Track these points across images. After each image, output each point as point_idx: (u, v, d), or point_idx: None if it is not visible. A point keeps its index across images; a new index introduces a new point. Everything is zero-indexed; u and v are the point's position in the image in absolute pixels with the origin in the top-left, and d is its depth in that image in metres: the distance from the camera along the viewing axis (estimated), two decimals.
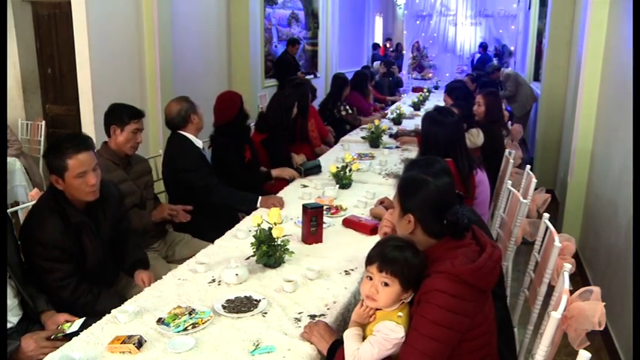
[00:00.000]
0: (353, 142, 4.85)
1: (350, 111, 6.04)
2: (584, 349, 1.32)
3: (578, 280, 3.74)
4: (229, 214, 3.13)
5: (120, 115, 2.74)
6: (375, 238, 2.28)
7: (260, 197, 3.05)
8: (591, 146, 4.05)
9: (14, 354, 1.84)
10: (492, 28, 14.53)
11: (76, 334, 1.76)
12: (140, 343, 1.62)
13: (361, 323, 1.64)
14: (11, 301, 2.03)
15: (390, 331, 1.55)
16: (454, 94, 4.87)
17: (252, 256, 2.22)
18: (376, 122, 5.00)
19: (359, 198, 3.07)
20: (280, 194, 3.23)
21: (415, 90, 9.88)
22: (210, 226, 2.87)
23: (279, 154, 4.01)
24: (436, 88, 10.15)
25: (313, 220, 2.45)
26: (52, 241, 2.11)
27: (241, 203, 3.08)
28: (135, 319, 1.80)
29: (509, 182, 3.06)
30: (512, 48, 12.99)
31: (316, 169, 3.71)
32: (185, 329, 1.72)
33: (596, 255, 3.61)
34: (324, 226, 2.54)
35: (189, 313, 1.79)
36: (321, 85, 8.80)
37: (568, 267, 1.84)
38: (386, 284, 1.57)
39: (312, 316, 1.84)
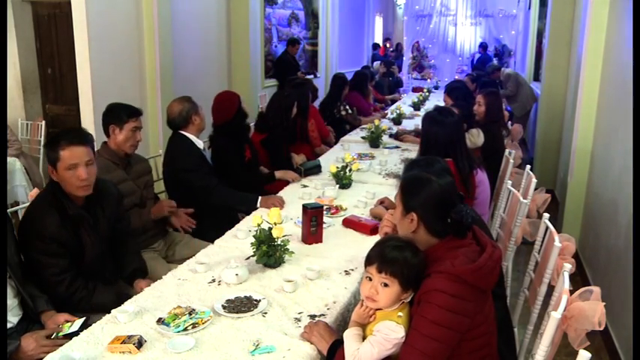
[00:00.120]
0: (353, 142, 4.85)
1: (350, 111, 6.04)
2: (584, 349, 1.32)
3: (578, 280, 3.74)
4: (229, 214, 3.13)
5: (118, 114, 2.75)
6: (375, 238, 2.29)
7: (260, 197, 3.05)
8: (591, 146, 4.05)
9: (14, 354, 1.84)
10: (492, 28, 14.53)
11: (76, 334, 1.76)
12: (140, 343, 1.62)
13: (361, 323, 1.64)
14: (11, 301, 2.03)
15: (390, 331, 1.55)
16: (454, 94, 4.87)
17: (252, 256, 2.22)
18: (376, 122, 4.99)
19: (359, 198, 3.07)
20: (280, 194, 3.23)
21: (415, 90, 9.88)
22: (210, 226, 2.87)
23: (279, 154, 4.01)
24: (436, 88, 10.16)
25: (313, 220, 2.45)
26: (49, 234, 2.12)
27: (241, 203, 3.08)
28: (135, 319, 1.80)
29: (509, 182, 3.06)
30: (512, 48, 13.00)
31: (316, 169, 3.71)
32: (185, 329, 1.72)
33: (596, 255, 3.61)
34: (324, 226, 2.54)
35: (189, 313, 1.79)
36: (321, 85, 8.80)
37: (568, 267, 1.84)
38: (385, 285, 1.57)
39: (312, 316, 1.84)
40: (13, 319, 2.03)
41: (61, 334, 1.87)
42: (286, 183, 3.53)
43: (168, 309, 1.83)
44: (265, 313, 1.85)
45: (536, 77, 7.82)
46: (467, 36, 15.05)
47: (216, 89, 4.09)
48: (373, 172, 3.79)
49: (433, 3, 15.27)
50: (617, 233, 3.09)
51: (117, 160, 2.76)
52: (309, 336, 1.69)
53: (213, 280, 2.10)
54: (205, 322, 1.76)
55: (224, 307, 1.86)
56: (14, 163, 4.66)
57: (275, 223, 2.20)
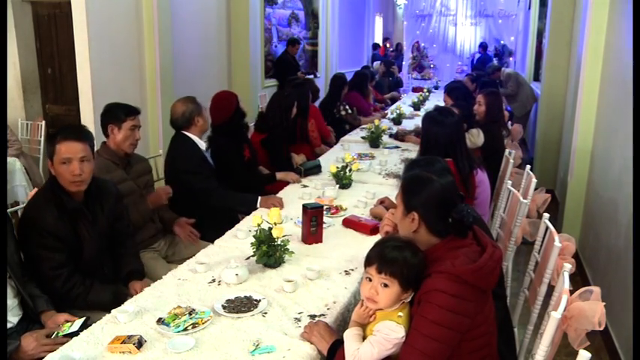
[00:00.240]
0: (353, 142, 4.85)
1: (350, 111, 6.04)
2: (584, 349, 1.32)
3: (578, 280, 3.74)
4: (229, 214, 3.13)
5: (116, 113, 2.76)
6: (375, 238, 2.28)
7: (260, 197, 3.05)
8: (591, 146, 4.05)
9: (14, 353, 1.85)
10: (492, 28, 14.53)
11: (76, 334, 1.76)
12: (140, 343, 1.62)
13: (361, 323, 1.64)
14: (11, 301, 2.03)
15: (390, 330, 1.55)
16: (454, 94, 4.87)
17: (252, 256, 2.22)
18: (376, 122, 5.00)
19: (359, 198, 3.07)
20: (280, 194, 3.23)
21: (415, 90, 9.88)
22: (210, 226, 2.87)
23: (279, 154, 4.01)
24: (436, 88, 10.16)
25: (313, 220, 2.45)
26: (46, 227, 2.14)
27: (241, 204, 3.07)
28: (135, 319, 1.80)
29: (509, 182, 3.06)
30: (512, 48, 13.00)
31: (316, 169, 3.71)
32: (185, 329, 1.72)
33: (596, 255, 3.61)
34: (324, 226, 2.54)
35: (189, 313, 1.79)
36: (321, 85, 8.80)
37: (568, 267, 1.84)
38: (385, 285, 1.57)
39: (312, 316, 1.84)
40: (13, 319, 2.03)
41: (61, 334, 1.88)
42: (286, 183, 3.52)
43: (168, 309, 1.83)
44: (265, 313, 1.85)
45: (536, 77, 7.82)
46: (467, 36, 15.05)
47: (216, 89, 4.08)
48: (373, 172, 3.79)
49: (433, 3, 15.27)
50: (617, 233, 3.09)
51: (117, 160, 2.76)
52: (309, 336, 1.69)
53: (213, 280, 2.10)
54: (205, 322, 1.76)
55: (224, 307, 1.86)
56: (14, 163, 4.66)
57: (275, 223, 2.20)
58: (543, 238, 2.29)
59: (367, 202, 3.00)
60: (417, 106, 7.25)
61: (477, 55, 12.73)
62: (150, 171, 3.07)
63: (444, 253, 1.59)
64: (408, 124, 5.82)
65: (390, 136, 5.11)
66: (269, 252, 2.18)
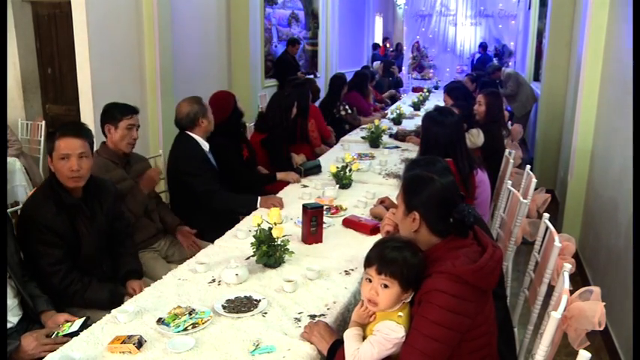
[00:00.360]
0: (353, 142, 4.85)
1: (349, 111, 6.04)
2: (584, 349, 1.32)
3: (578, 280, 3.74)
4: (230, 214, 3.13)
5: (112, 113, 2.77)
6: (375, 238, 2.28)
7: (260, 197, 3.05)
8: (591, 146, 4.05)
9: (14, 353, 1.85)
10: (492, 28, 14.53)
11: (76, 333, 1.76)
12: (140, 343, 1.62)
13: (361, 323, 1.64)
14: (11, 301, 2.03)
15: (391, 330, 1.55)
16: (454, 94, 4.87)
17: (252, 256, 2.22)
18: (376, 122, 5.00)
19: (359, 198, 3.07)
20: (280, 194, 3.23)
21: (415, 90, 9.88)
22: (210, 226, 2.87)
23: (279, 154, 4.01)
24: (436, 88, 10.16)
25: (313, 220, 2.45)
26: (44, 222, 2.16)
27: (242, 206, 3.06)
28: (135, 319, 1.80)
29: (509, 182, 3.06)
30: (512, 46, 13.00)
31: (316, 169, 3.71)
32: (185, 329, 1.72)
33: (596, 255, 3.61)
34: (324, 226, 2.54)
35: (189, 313, 1.79)
36: (321, 85, 8.79)
37: (568, 267, 1.84)
38: (385, 286, 1.57)
39: (312, 316, 1.84)
40: (13, 319, 2.03)
41: (61, 333, 1.88)
42: (286, 183, 3.52)
43: (168, 309, 1.83)
44: (265, 313, 1.85)
45: (536, 77, 7.82)
46: (467, 36, 15.06)
47: (216, 89, 4.08)
48: (373, 172, 3.79)
49: (433, 3, 15.28)
50: (617, 233, 3.09)
51: (116, 160, 2.77)
52: (309, 336, 1.69)
53: (213, 280, 2.10)
54: (205, 322, 1.76)
55: (224, 307, 1.86)
56: (14, 163, 4.66)
57: (275, 223, 2.20)
58: (543, 238, 2.29)
59: (367, 202, 3.00)
60: (417, 106, 7.25)
61: (477, 56, 12.73)
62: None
63: (444, 253, 1.59)
64: (408, 124, 5.83)
65: (390, 136, 5.11)
66: (269, 252, 2.18)
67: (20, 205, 2.69)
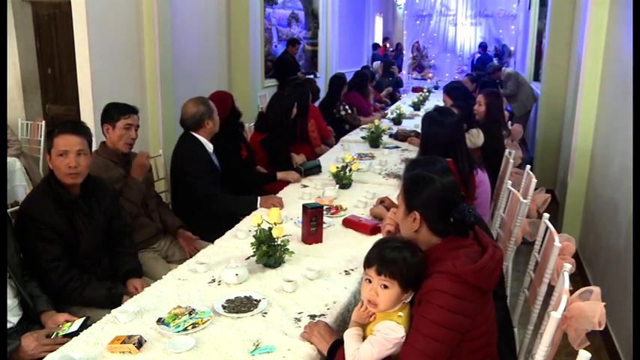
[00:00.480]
0: (353, 142, 4.85)
1: (349, 111, 6.04)
2: (584, 349, 1.32)
3: (578, 280, 3.74)
4: (230, 216, 3.13)
5: (110, 113, 2.79)
6: (375, 238, 2.28)
7: (260, 198, 3.05)
8: (591, 146, 4.05)
9: (14, 353, 1.85)
10: (492, 28, 14.53)
11: (76, 334, 1.76)
12: (140, 343, 1.62)
13: (361, 323, 1.64)
14: (11, 301, 2.03)
15: (390, 330, 1.55)
16: (453, 94, 4.87)
17: (252, 256, 2.22)
18: (376, 122, 4.99)
19: (359, 198, 3.07)
20: (280, 194, 3.23)
21: (415, 90, 9.88)
22: (210, 227, 2.87)
23: (279, 154, 4.01)
24: (436, 88, 10.16)
25: (313, 220, 2.45)
26: (42, 219, 2.18)
27: (243, 208, 3.05)
28: (135, 319, 1.80)
29: (509, 182, 3.06)
30: (512, 48, 13.00)
31: (316, 169, 3.71)
32: (185, 329, 1.72)
33: (596, 255, 3.61)
34: (324, 226, 2.54)
35: (189, 313, 1.79)
36: (321, 85, 8.80)
37: (568, 267, 1.84)
38: (385, 286, 1.57)
39: (312, 316, 1.84)
40: (13, 319, 2.03)
41: (61, 333, 1.88)
42: (286, 183, 3.53)
43: (168, 309, 1.83)
44: (265, 313, 1.85)
45: (536, 77, 7.82)
46: (467, 36, 15.06)
47: (216, 89, 4.09)
48: (373, 172, 3.79)
49: (433, 3, 15.28)
50: (617, 233, 3.09)
51: (115, 159, 2.78)
52: (309, 336, 1.69)
53: (213, 280, 2.10)
54: (205, 322, 1.76)
55: (224, 307, 1.86)
56: (14, 163, 4.66)
57: (275, 223, 2.20)
58: (543, 238, 2.29)
59: (367, 202, 3.00)
60: (417, 106, 7.25)
61: (477, 56, 12.73)
62: (150, 170, 3.08)
63: (444, 253, 1.59)
64: (408, 124, 5.83)
65: (390, 136, 5.11)
66: (269, 252, 2.18)
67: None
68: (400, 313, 1.58)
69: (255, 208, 2.98)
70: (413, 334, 1.52)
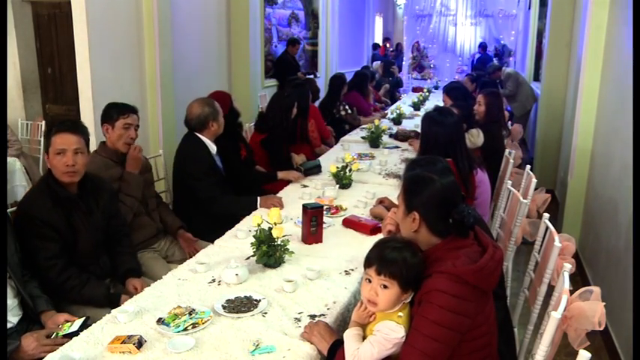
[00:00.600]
0: (353, 142, 4.85)
1: (349, 111, 6.04)
2: (584, 349, 1.32)
3: (578, 280, 3.74)
4: (231, 217, 3.12)
5: (109, 113, 2.80)
6: (375, 238, 2.28)
7: (259, 198, 3.05)
8: (591, 146, 4.05)
9: (14, 353, 1.85)
10: (492, 28, 14.53)
11: (76, 334, 1.76)
12: (140, 343, 1.62)
13: (361, 323, 1.64)
14: (11, 301, 2.03)
15: (390, 330, 1.55)
16: (453, 94, 4.86)
17: (252, 256, 2.22)
18: (376, 122, 4.99)
19: (359, 198, 3.07)
20: (280, 194, 3.23)
21: (415, 90, 9.88)
22: (210, 227, 2.87)
23: (279, 154, 4.01)
24: (436, 88, 10.16)
25: (313, 220, 2.45)
26: (39, 216, 2.20)
27: (243, 209, 3.04)
28: (135, 319, 1.80)
29: (509, 182, 3.06)
30: (512, 48, 13.00)
31: (316, 169, 3.71)
32: (185, 329, 1.72)
33: (596, 255, 3.61)
34: (324, 226, 2.54)
35: (189, 313, 1.79)
36: (321, 85, 8.80)
37: (568, 267, 1.84)
38: (385, 286, 1.57)
39: (312, 316, 1.84)
40: (13, 319, 2.03)
41: (61, 334, 1.88)
42: (286, 183, 3.53)
43: (168, 309, 1.83)
44: (265, 313, 1.85)
45: (536, 77, 7.82)
46: (467, 36, 15.06)
47: (216, 89, 4.09)
48: (373, 172, 3.79)
49: (433, 3, 15.27)
50: (617, 233, 3.09)
51: (115, 158, 2.79)
52: (309, 336, 1.69)
53: (213, 280, 2.10)
54: (205, 322, 1.76)
55: (224, 307, 1.86)
56: (14, 163, 4.66)
57: (275, 223, 2.20)
58: (543, 238, 2.29)
59: (367, 202, 3.00)
60: (417, 106, 7.25)
61: (477, 56, 12.73)
62: (150, 169, 3.08)
63: (444, 254, 1.59)
64: (408, 124, 5.82)
65: (390, 136, 5.11)
66: (269, 252, 2.18)
67: None
68: (400, 313, 1.58)
69: (255, 208, 2.98)
70: (413, 334, 1.52)
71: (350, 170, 3.38)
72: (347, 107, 6.02)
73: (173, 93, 4.89)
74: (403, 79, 12.12)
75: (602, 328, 1.60)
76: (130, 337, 1.64)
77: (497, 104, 4.38)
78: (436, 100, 7.59)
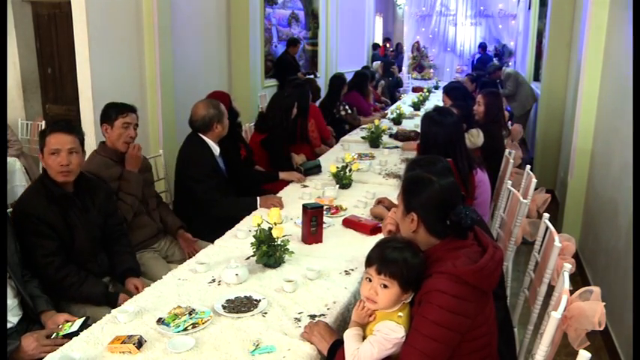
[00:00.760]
0: (353, 142, 4.85)
1: (349, 111, 6.04)
2: (584, 349, 1.32)
3: (578, 280, 3.74)
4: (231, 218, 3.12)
5: (108, 113, 2.80)
6: (375, 238, 2.28)
7: (259, 198, 3.04)
8: (591, 146, 4.05)
9: (14, 353, 1.85)
10: (492, 28, 14.53)
11: (76, 334, 1.76)
12: (140, 343, 1.62)
13: (361, 323, 1.64)
14: (11, 301, 2.03)
15: (390, 330, 1.55)
16: (452, 94, 4.86)
17: (252, 256, 2.23)
18: (376, 122, 4.99)
19: (359, 198, 3.07)
20: (280, 194, 3.23)
21: (415, 90, 9.88)
22: (210, 227, 2.87)
23: (279, 154, 4.01)
24: (436, 88, 10.16)
25: (313, 220, 2.45)
26: (35, 213, 2.21)
27: (242, 210, 3.04)
28: (135, 319, 1.80)
29: (509, 182, 3.06)
30: (512, 45, 13.00)
31: (316, 169, 3.71)
32: (185, 329, 1.72)
33: (596, 255, 3.61)
34: (324, 226, 2.54)
35: (189, 313, 1.79)
36: (321, 85, 8.79)
37: (568, 267, 1.84)
38: (385, 286, 1.57)
39: (312, 316, 1.84)
40: (13, 319, 2.03)
41: (61, 334, 1.88)
42: (286, 183, 3.53)
43: (168, 309, 1.83)
44: (265, 313, 1.85)
45: (536, 77, 7.82)
46: (467, 36, 15.05)
47: (216, 89, 4.09)
48: (373, 172, 3.79)
49: (433, 3, 15.26)
50: (617, 233, 3.09)
51: (115, 158, 2.79)
52: (310, 336, 1.69)
53: (213, 280, 2.10)
54: (205, 322, 1.76)
55: (224, 307, 1.86)
56: (14, 163, 4.66)
57: (275, 223, 2.20)
58: (543, 238, 2.29)
59: (367, 202, 2.99)
60: (417, 106, 7.25)
61: (477, 56, 12.73)
62: (150, 169, 3.08)
63: (444, 254, 1.59)
64: (408, 124, 5.82)
65: (390, 136, 5.10)
66: (269, 252, 2.19)
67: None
68: (400, 314, 1.58)
69: (256, 209, 2.98)
70: (413, 335, 1.52)
71: (350, 170, 3.38)
72: (347, 107, 6.02)
73: (173, 93, 4.89)
74: (403, 79, 12.11)
75: (602, 328, 1.60)
76: (130, 337, 1.65)
77: (496, 104, 4.38)
78: (436, 100, 7.59)
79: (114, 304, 2.21)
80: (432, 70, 14.38)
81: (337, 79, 6.09)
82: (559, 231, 2.23)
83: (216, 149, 3.19)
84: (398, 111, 6.25)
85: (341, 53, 10.50)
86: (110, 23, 4.31)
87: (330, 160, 3.98)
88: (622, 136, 3.16)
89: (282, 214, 2.36)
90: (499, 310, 1.83)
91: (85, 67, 4.17)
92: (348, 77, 6.54)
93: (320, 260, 2.27)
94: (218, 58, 6.17)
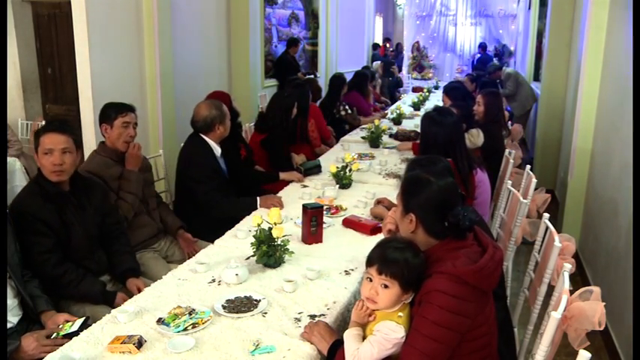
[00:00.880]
0: (353, 142, 4.85)
1: (349, 111, 6.04)
2: (584, 349, 1.32)
3: (578, 280, 3.74)
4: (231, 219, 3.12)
5: (107, 113, 2.80)
6: (375, 238, 2.28)
7: (259, 198, 3.04)
8: (591, 146, 4.05)
9: (14, 353, 1.85)
10: (492, 28, 14.53)
11: (76, 334, 1.76)
12: (140, 343, 1.62)
13: (361, 323, 1.64)
14: (11, 301, 2.03)
15: (390, 330, 1.55)
16: (452, 94, 4.86)
17: (252, 256, 2.23)
18: (376, 122, 4.99)
19: (359, 198, 3.07)
20: (280, 194, 3.23)
21: (415, 90, 9.88)
22: (210, 227, 2.87)
23: (279, 154, 4.01)
24: (436, 88, 10.16)
25: (313, 220, 2.45)
26: (31, 212, 2.22)
27: (242, 211, 3.03)
28: (135, 319, 1.80)
29: (509, 182, 3.06)
30: (512, 48, 13.00)
31: (316, 169, 3.71)
32: (185, 329, 1.72)
33: (596, 255, 3.61)
34: (324, 226, 2.54)
35: (189, 313, 1.79)
36: (321, 85, 8.79)
37: (568, 267, 1.84)
38: (386, 286, 1.57)
39: (312, 316, 1.84)
40: (13, 319, 2.03)
41: (61, 334, 1.88)
42: (286, 183, 3.52)
43: (168, 309, 1.83)
44: (265, 313, 1.85)
45: (536, 77, 7.82)
46: (467, 36, 15.05)
47: (216, 89, 4.09)
48: (373, 172, 3.79)
49: (433, 3, 15.26)
50: (617, 233, 3.09)
51: (115, 157, 2.79)
52: (310, 336, 1.69)
53: (213, 280, 2.10)
54: (205, 322, 1.76)
55: (224, 307, 1.86)
56: (14, 163, 4.66)
57: (275, 223, 2.20)
58: (543, 238, 2.29)
59: (367, 202, 2.99)
60: (417, 106, 7.25)
61: (477, 56, 12.73)
62: (150, 169, 3.08)
63: (444, 254, 1.59)
64: (408, 124, 5.82)
65: (390, 136, 5.10)
66: (269, 252, 2.19)
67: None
68: (400, 314, 1.58)
69: (256, 209, 2.98)
70: (413, 335, 1.52)
71: (350, 170, 3.38)
72: (347, 107, 6.02)
73: (173, 93, 4.89)
74: (403, 79, 12.11)
75: (602, 328, 1.60)
76: (130, 337, 1.65)
77: (496, 104, 4.38)
78: (436, 100, 7.59)
79: (111, 302, 2.21)
80: (431, 70, 14.38)
81: (337, 79, 6.08)
82: (559, 231, 2.23)
83: (217, 150, 3.20)
84: (398, 111, 6.25)
85: (341, 53, 10.50)
86: (110, 23, 4.32)
87: (330, 160, 3.98)
88: (622, 136, 3.16)
89: (282, 214, 2.36)
90: (499, 310, 1.83)
91: (85, 67, 4.18)
92: (348, 77, 6.54)
93: (320, 260, 2.27)
94: (218, 58, 6.18)
